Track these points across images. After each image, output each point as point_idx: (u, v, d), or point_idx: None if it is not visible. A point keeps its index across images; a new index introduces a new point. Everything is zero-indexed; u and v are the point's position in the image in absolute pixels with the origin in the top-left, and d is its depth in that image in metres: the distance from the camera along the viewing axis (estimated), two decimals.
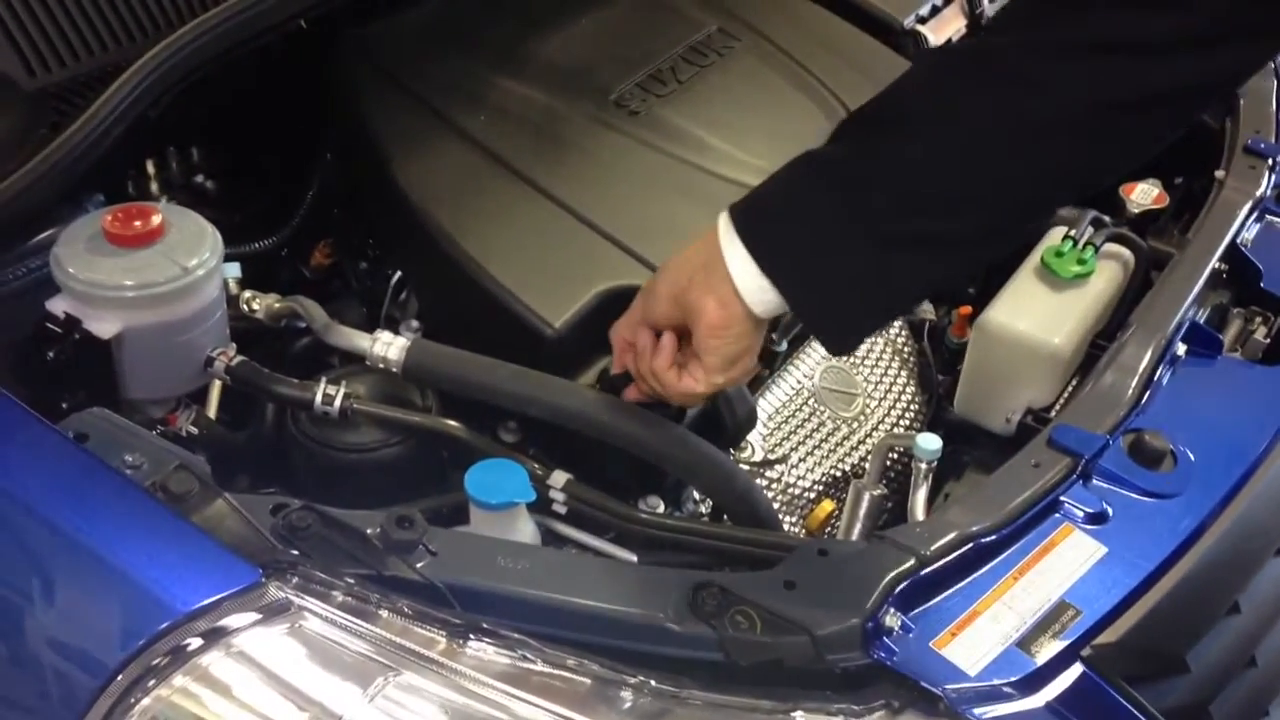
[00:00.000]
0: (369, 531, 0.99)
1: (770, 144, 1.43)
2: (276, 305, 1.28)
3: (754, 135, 1.44)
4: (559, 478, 1.16)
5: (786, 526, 1.46)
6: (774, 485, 1.45)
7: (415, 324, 1.34)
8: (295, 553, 0.95)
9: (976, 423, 1.49)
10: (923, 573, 1.07)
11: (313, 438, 1.16)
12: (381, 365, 1.16)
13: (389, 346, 1.15)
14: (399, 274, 1.36)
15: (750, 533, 1.15)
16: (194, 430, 1.17)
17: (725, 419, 1.27)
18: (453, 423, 1.16)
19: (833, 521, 1.38)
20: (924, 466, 1.26)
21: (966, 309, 1.65)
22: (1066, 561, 1.13)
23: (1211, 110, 1.72)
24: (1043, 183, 1.01)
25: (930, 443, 1.26)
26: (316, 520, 0.97)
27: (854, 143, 1.03)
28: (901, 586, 1.05)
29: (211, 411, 1.21)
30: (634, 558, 1.17)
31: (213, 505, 0.95)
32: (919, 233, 0.99)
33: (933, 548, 1.08)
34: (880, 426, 1.56)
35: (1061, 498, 1.17)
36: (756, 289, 1.02)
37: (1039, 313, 1.44)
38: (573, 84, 1.44)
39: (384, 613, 0.92)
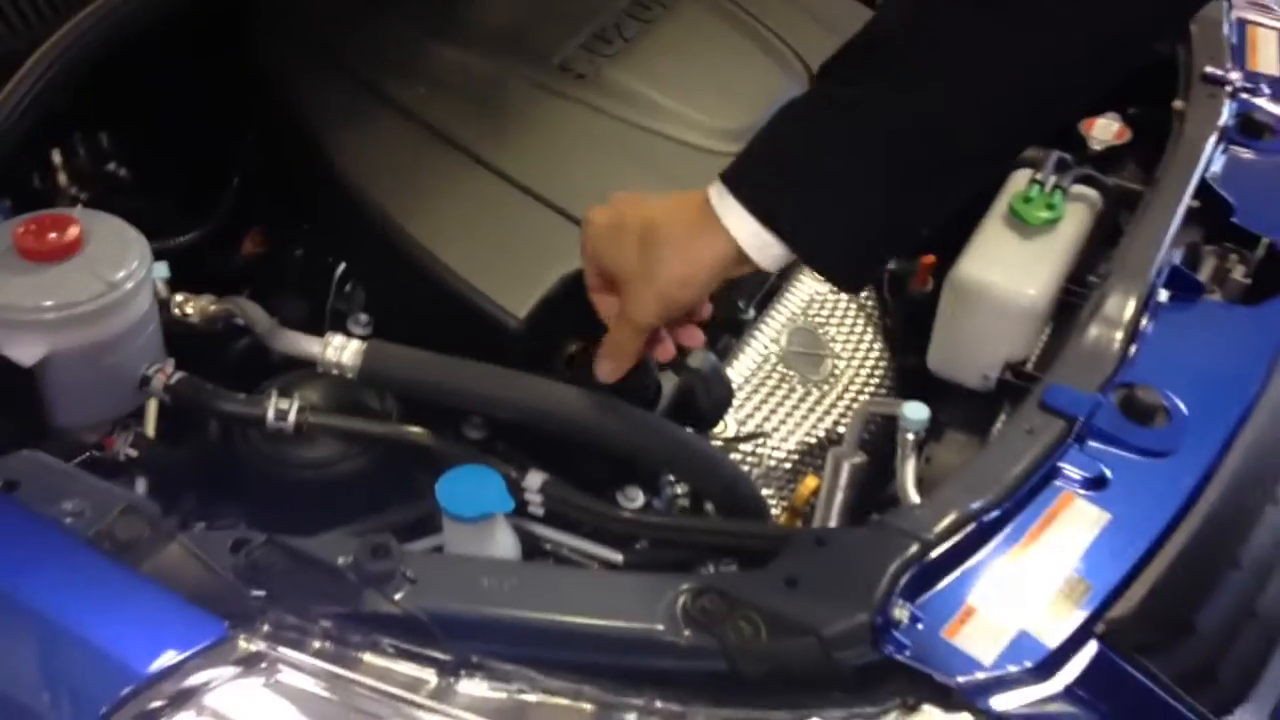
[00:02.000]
0: (341, 562, 0.91)
1: (725, 101, 1.36)
2: (212, 308, 1.18)
3: (708, 93, 1.36)
4: (534, 479, 1.09)
5: (766, 499, 1.40)
6: (749, 459, 1.39)
7: (364, 318, 1.25)
8: (263, 593, 0.87)
9: (952, 380, 1.44)
10: (928, 558, 1.02)
11: (265, 455, 1.08)
12: (335, 371, 1.07)
13: (342, 351, 1.06)
14: (343, 265, 1.26)
15: (739, 525, 1.09)
16: (133, 453, 1.08)
17: (701, 401, 1.20)
18: (417, 429, 1.08)
19: (815, 497, 1.32)
20: (911, 438, 1.21)
21: (929, 258, 1.60)
22: (1071, 532, 1.08)
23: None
24: (1041, 107, 0.99)
25: (917, 412, 1.20)
26: (282, 556, 0.89)
27: (842, 83, 0.97)
28: (908, 575, 1.00)
29: (150, 430, 1.11)
30: (619, 556, 1.11)
31: (166, 550, 0.86)
32: (923, 161, 0.96)
33: (935, 530, 1.03)
34: (850, 387, 1.50)
35: (1059, 464, 1.12)
36: (760, 245, 0.96)
37: (1011, 263, 1.39)
38: (513, 48, 1.35)
39: (366, 655, 0.84)
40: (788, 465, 1.42)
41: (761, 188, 0.97)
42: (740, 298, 1.37)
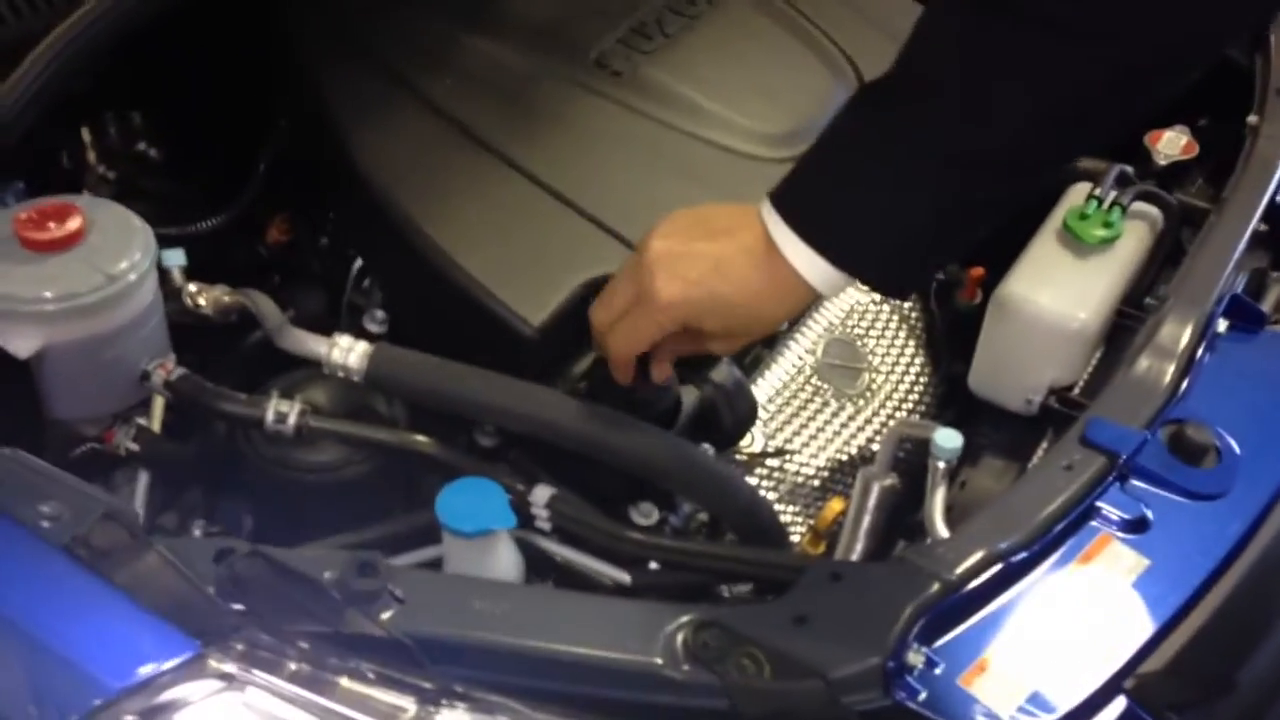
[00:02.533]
0: (327, 576, 0.88)
1: (770, 105, 1.30)
2: (226, 299, 1.15)
3: (752, 96, 1.30)
4: (542, 493, 1.04)
5: (790, 518, 1.35)
6: (775, 474, 1.34)
7: (380, 314, 1.21)
8: (241, 607, 0.84)
9: (993, 402, 1.37)
10: (948, 600, 0.96)
11: (266, 457, 1.04)
12: (341, 374, 1.03)
13: (349, 353, 1.03)
14: (360, 261, 1.22)
15: (753, 553, 1.04)
16: (134, 447, 1.05)
17: (724, 417, 1.15)
18: (422, 437, 1.04)
19: (840, 519, 1.27)
20: (941, 466, 1.15)
21: (978, 271, 1.53)
22: (1105, 578, 1.02)
23: (1239, 46, 1.59)
24: (1100, 123, 0.96)
25: (949, 440, 1.14)
26: (265, 569, 0.85)
27: (890, 106, 0.94)
28: (926, 617, 0.94)
29: (156, 425, 1.09)
30: (627, 577, 1.06)
31: (144, 560, 0.83)
32: (977, 183, 0.93)
33: (959, 570, 0.97)
34: (888, 402, 1.45)
35: (1098, 503, 1.06)
36: (824, 279, 0.94)
37: (1062, 284, 1.32)
38: (548, 42, 1.30)
39: (343, 680, 0.81)
40: (816, 483, 1.36)
41: (815, 216, 0.94)
42: None
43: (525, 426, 1.02)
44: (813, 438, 1.38)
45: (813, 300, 0.98)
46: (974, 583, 0.97)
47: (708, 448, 1.16)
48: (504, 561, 1.01)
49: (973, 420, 1.44)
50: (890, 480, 1.28)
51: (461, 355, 1.08)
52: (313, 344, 1.04)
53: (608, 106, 1.27)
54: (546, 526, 1.06)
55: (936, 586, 0.96)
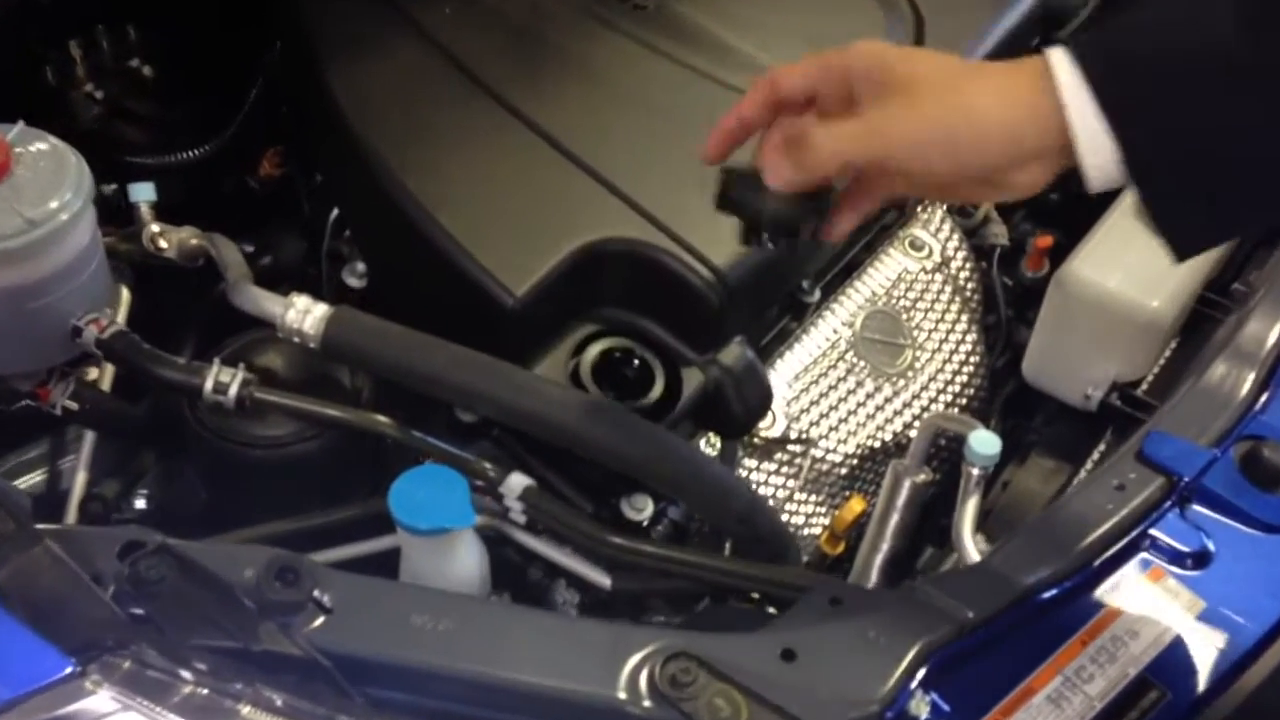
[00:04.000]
0: (247, 576, 0.77)
1: (813, 50, 1.14)
2: (193, 242, 1.05)
3: (791, 39, 1.15)
4: (515, 483, 0.93)
5: (810, 510, 1.22)
6: (797, 461, 1.21)
7: (361, 268, 1.10)
8: (140, 612, 0.73)
9: (1049, 393, 1.23)
10: (964, 641, 0.84)
11: (210, 428, 0.94)
12: (296, 339, 0.92)
13: (305, 316, 0.91)
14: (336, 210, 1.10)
15: (748, 566, 0.92)
16: (72, 405, 0.95)
17: (732, 404, 1.02)
18: (381, 417, 0.92)
19: (864, 518, 1.14)
20: (975, 473, 1.01)
21: (1047, 239, 1.38)
22: (1151, 620, 0.89)
23: None
24: None
25: (986, 445, 1.00)
26: (174, 569, 0.75)
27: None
28: (935, 659, 0.82)
29: (105, 381, 0.99)
30: (607, 580, 0.95)
31: (28, 555, 0.73)
32: None
33: (979, 606, 0.84)
34: (931, 384, 1.30)
35: (1152, 531, 0.92)
36: (1091, 148, 0.73)
37: (1135, 266, 1.16)
38: None
39: (244, 709, 0.70)
40: (842, 472, 1.23)
41: (1132, 90, 0.74)
42: (804, 274, 1.17)
43: (497, 412, 0.90)
44: (842, 421, 1.24)
45: (1035, 159, 0.76)
46: (996, 624, 0.85)
47: (713, 440, 1.04)
48: (463, 564, 0.90)
49: (1025, 411, 1.29)
50: (923, 475, 1.15)
51: (439, 323, 0.96)
52: (267, 303, 0.93)
53: (626, 45, 1.12)
54: (520, 520, 0.95)
55: (951, 627, 0.83)
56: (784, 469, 1.22)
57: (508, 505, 0.94)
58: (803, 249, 0.96)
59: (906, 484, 1.15)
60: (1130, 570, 0.90)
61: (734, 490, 0.93)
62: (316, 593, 0.78)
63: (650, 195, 1.01)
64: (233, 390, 0.90)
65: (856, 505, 1.10)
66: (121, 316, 1.00)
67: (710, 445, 1.08)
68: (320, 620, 0.77)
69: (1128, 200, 1.21)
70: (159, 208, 1.11)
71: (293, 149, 1.24)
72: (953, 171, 0.77)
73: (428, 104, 1.04)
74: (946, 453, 1.20)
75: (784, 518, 1.21)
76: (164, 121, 1.28)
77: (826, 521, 1.23)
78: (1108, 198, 1.26)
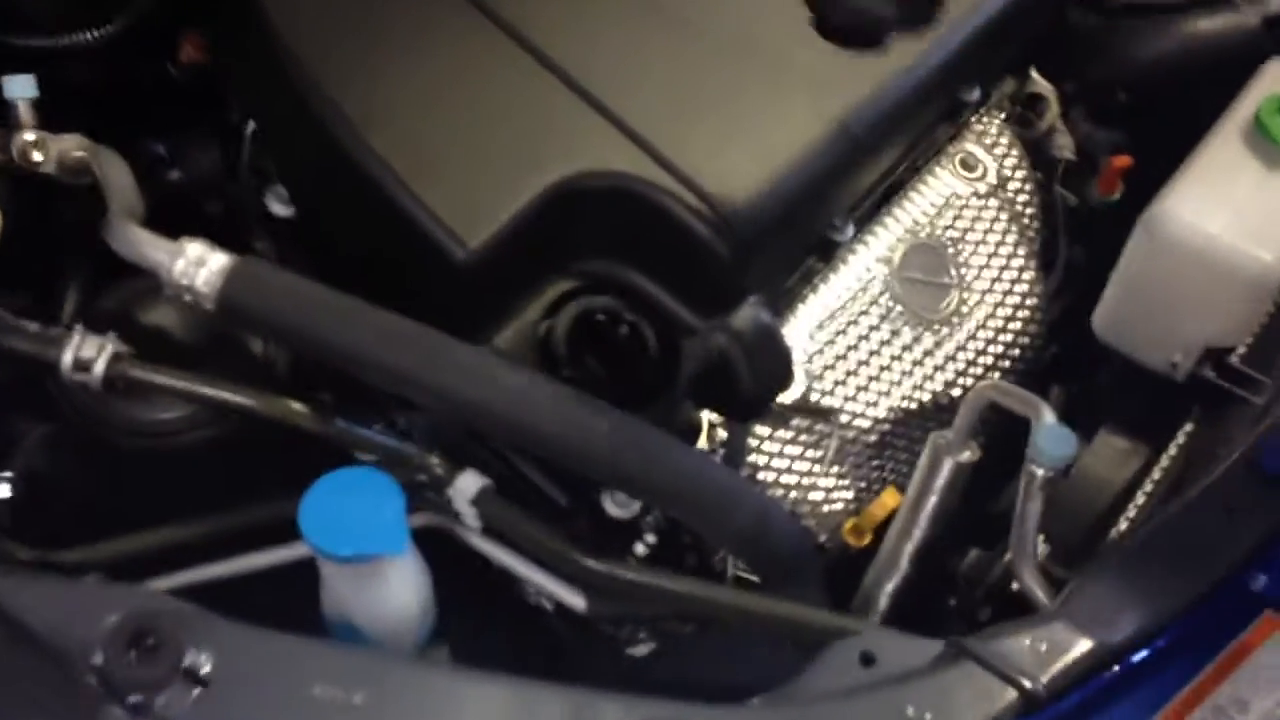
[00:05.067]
0: (107, 625, 0.59)
1: None
2: (75, 154, 0.84)
3: None
4: (467, 485, 0.74)
5: (833, 484, 1.03)
6: (819, 428, 1.02)
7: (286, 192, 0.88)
8: None
9: (1125, 354, 1.02)
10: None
11: (79, 409, 0.74)
12: (187, 297, 0.71)
13: (198, 269, 0.71)
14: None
15: (750, 600, 0.73)
16: None
17: (741, 379, 0.82)
18: (293, 404, 0.73)
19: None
20: (1040, 475, 0.82)
21: (1124, 159, 1.16)
22: (1264, 682, 0.70)
23: None
24: None
25: (1058, 443, 0.80)
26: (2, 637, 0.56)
27: None
28: None
29: None
30: (580, 602, 0.76)
31: None
32: None
33: (1050, 675, 0.66)
34: (981, 332, 1.10)
35: (1262, 573, 0.73)
36: None
37: (1243, 207, 0.95)
38: None
39: None
40: (872, 439, 1.04)
41: None
42: (835, 211, 0.96)
43: (431, 400, 0.70)
44: (873, 379, 1.04)
45: None
46: (1071, 696, 0.66)
47: (714, 419, 0.84)
48: (397, 597, 0.72)
49: (1093, 373, 1.09)
50: (967, 454, 0.96)
51: (378, 276, 0.76)
52: (150, 250, 0.72)
53: None
54: (475, 526, 0.76)
55: (1013, 696, 0.65)
56: (802, 437, 1.02)
57: (458, 510, 0.75)
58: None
59: (947, 463, 0.96)
60: (1238, 618, 0.72)
61: (740, 502, 0.73)
62: (188, 658, 0.59)
63: (645, 117, 0.79)
64: (98, 367, 0.70)
65: (889, 500, 0.91)
66: None
67: (712, 429, 0.88)
68: (194, 695, 0.59)
69: (1233, 120, 0.99)
70: (49, 105, 0.90)
71: (211, 30, 1.01)
72: None
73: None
74: (995, 419, 1.00)
75: (800, 494, 1.03)
76: None
77: (850, 496, 1.05)
78: (1188, 108, 1.04)
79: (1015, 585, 0.79)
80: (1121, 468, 0.97)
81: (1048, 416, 0.84)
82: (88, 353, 0.70)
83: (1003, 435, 0.98)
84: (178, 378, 0.71)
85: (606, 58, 0.81)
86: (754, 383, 0.83)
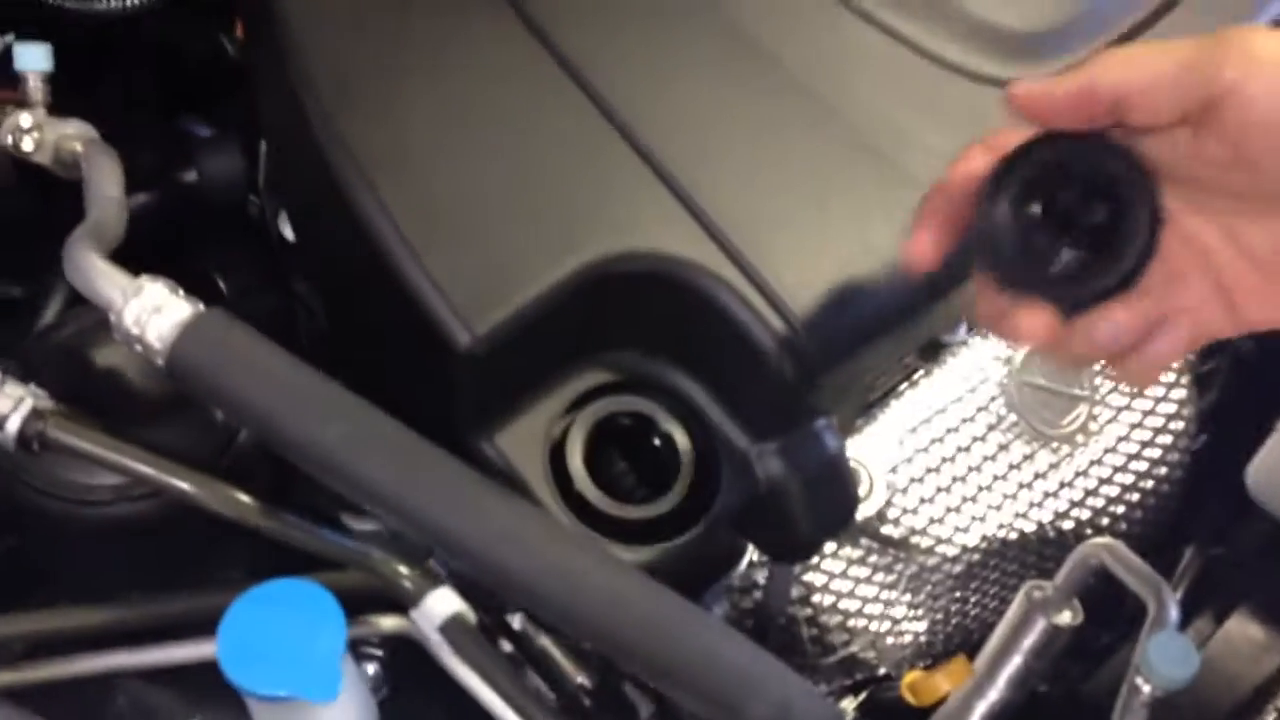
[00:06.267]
0: None
1: None
2: (71, 147, 0.74)
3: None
4: (437, 608, 0.62)
5: (903, 611, 0.89)
6: (893, 550, 0.87)
7: None
8: None
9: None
10: None
11: (8, 474, 0.64)
12: (137, 348, 0.60)
13: (151, 316, 0.59)
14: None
15: None
16: None
17: (797, 519, 0.68)
18: (232, 491, 0.61)
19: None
20: (1146, 692, 0.66)
21: None
22: None
23: None
24: None
25: (1175, 663, 0.64)
26: None
27: None
28: None
29: None
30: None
31: None
32: None
33: None
34: (1109, 456, 0.93)
35: None
36: None
37: None
38: None
39: None
40: (959, 568, 0.89)
41: None
42: (941, 328, 0.81)
43: (391, 515, 0.57)
44: (969, 499, 0.89)
45: None
46: None
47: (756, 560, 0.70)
48: None
49: (1238, 535, 0.91)
50: (1068, 616, 0.81)
51: (373, 338, 0.64)
52: (103, 283, 0.61)
53: None
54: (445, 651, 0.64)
55: None
56: (872, 558, 0.88)
57: (424, 633, 0.63)
58: None
59: (1040, 623, 0.80)
60: None
61: (759, 689, 0.59)
62: None
63: (718, 196, 0.65)
64: (10, 424, 0.59)
65: (958, 671, 0.75)
66: None
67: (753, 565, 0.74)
68: None
69: None
70: (83, 65, 0.80)
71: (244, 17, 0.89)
72: None
73: (400, 9, 0.67)
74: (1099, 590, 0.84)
75: (862, 621, 0.88)
76: None
77: (922, 629, 0.90)
78: None
79: None
80: (1257, 663, 0.80)
81: (1169, 613, 0.68)
82: (1, 407, 0.59)
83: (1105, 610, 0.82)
84: (106, 445, 0.59)
85: (684, 120, 0.66)
86: (812, 525, 0.68)
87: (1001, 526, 0.89)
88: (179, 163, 0.80)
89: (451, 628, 0.62)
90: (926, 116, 0.70)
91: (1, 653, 0.66)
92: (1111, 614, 0.90)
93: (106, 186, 0.69)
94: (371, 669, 0.78)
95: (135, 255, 0.63)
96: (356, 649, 0.78)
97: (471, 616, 0.63)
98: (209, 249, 0.82)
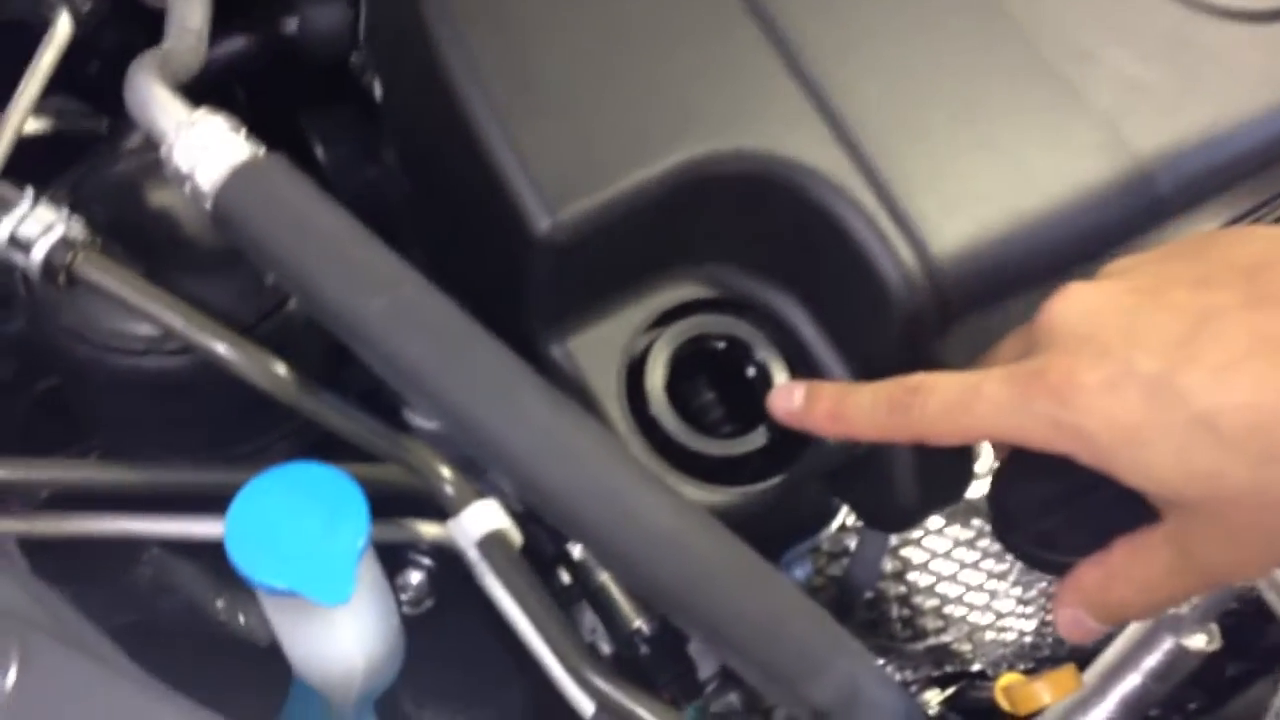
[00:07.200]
0: None
1: None
2: None
3: None
4: (475, 522, 0.55)
5: (1010, 605, 0.79)
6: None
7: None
8: None
9: None
10: None
11: (28, 300, 0.58)
12: (185, 187, 0.54)
13: (203, 154, 0.53)
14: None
15: None
16: None
17: (900, 483, 0.59)
18: (264, 356, 0.54)
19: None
20: None
21: None
22: None
23: None
24: None
25: None
26: None
27: None
28: None
29: None
30: (589, 708, 0.57)
31: None
32: None
33: None
34: None
35: None
36: None
37: None
38: None
39: None
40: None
41: None
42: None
43: (435, 412, 0.50)
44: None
45: None
46: None
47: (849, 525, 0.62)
48: (337, 645, 0.54)
49: None
50: (1202, 640, 0.71)
51: (466, 222, 0.57)
52: (158, 111, 0.55)
53: None
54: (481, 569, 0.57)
55: None
56: (982, 542, 0.78)
57: (461, 548, 0.57)
58: None
59: (1168, 642, 0.71)
60: None
61: (823, 669, 0.51)
62: None
63: (853, 96, 0.56)
64: (37, 251, 0.53)
65: (1066, 681, 0.66)
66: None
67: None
68: None
69: None
70: None
71: None
72: None
73: None
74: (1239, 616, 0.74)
75: (962, 610, 0.79)
76: None
77: (1029, 628, 0.81)
78: None
79: None
80: None
81: None
82: (29, 230, 0.53)
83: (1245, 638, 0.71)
84: (135, 287, 0.54)
85: (828, 7, 0.57)
86: (917, 493, 0.59)
87: None
88: (279, 6, 0.74)
89: (490, 545, 0.55)
90: (1118, 42, 0.60)
91: (25, 499, 0.62)
92: (1247, 644, 0.80)
93: (189, 17, 0.63)
94: (416, 577, 0.72)
95: (224, 108, 0.56)
96: (402, 554, 0.72)
97: (516, 536, 0.56)
98: (307, 111, 0.76)
